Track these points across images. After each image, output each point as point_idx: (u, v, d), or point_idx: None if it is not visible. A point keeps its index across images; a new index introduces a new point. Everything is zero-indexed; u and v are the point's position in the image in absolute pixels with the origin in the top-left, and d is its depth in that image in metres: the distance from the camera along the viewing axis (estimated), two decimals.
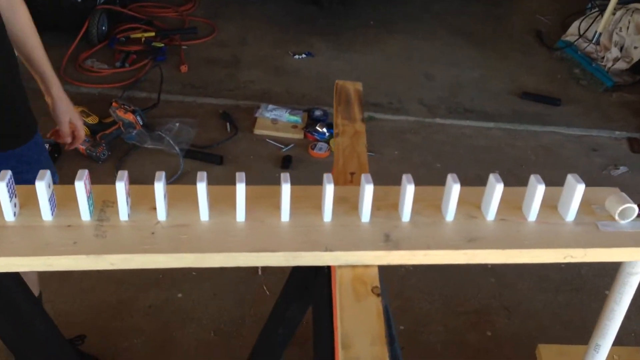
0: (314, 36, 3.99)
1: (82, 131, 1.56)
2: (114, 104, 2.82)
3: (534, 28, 4.38)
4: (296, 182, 2.44)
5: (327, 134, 3.00)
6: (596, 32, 3.84)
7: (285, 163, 2.81)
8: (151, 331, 1.96)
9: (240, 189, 0.89)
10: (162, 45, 3.51)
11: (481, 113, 3.36)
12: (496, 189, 0.93)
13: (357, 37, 4.07)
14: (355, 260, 0.87)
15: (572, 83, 3.74)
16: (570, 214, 0.96)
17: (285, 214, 0.92)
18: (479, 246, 0.88)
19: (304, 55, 3.73)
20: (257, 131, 3.01)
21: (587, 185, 2.98)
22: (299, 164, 2.84)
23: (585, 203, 0.97)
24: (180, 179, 2.65)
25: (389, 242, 0.87)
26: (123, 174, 0.88)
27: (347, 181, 1.04)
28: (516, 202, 1.00)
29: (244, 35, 3.93)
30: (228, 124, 3.03)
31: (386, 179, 2.19)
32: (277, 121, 3.06)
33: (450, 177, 0.93)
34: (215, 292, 2.13)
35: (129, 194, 0.90)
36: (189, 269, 2.18)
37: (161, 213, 0.89)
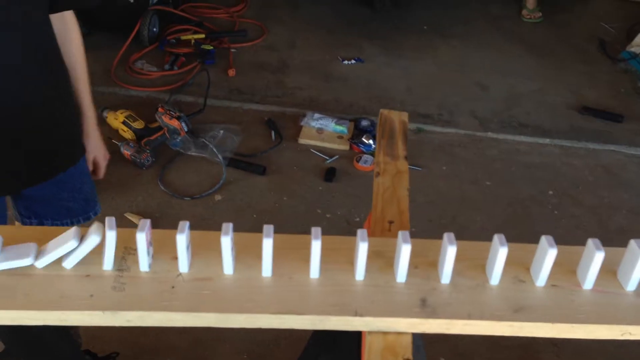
0: (365, 40, 3.91)
1: (102, 172, 1.54)
2: (160, 109, 2.81)
3: (598, 36, 4.16)
4: (340, 195, 2.37)
5: (373, 145, 2.92)
6: None
7: (329, 176, 2.75)
8: (184, 349, 1.94)
9: (267, 244, 0.82)
10: (212, 47, 3.49)
11: (537, 128, 3.21)
12: (548, 254, 0.84)
13: (408, 41, 3.96)
14: (386, 327, 0.80)
15: (636, 98, 3.54)
16: (632, 283, 0.86)
17: (314, 271, 0.85)
18: (526, 318, 0.79)
19: (353, 61, 3.65)
20: (301, 140, 2.96)
21: None
22: (343, 176, 2.77)
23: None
24: (222, 188, 2.62)
25: (426, 307, 0.79)
26: (145, 224, 0.83)
27: (385, 230, 0.96)
28: (571, 264, 0.90)
29: (293, 38, 3.88)
30: (273, 132, 2.99)
31: (433, 196, 2.08)
32: (323, 131, 3.00)
33: (497, 239, 0.84)
34: None
35: (151, 243, 0.85)
36: None
37: (183, 265, 0.84)
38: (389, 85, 3.50)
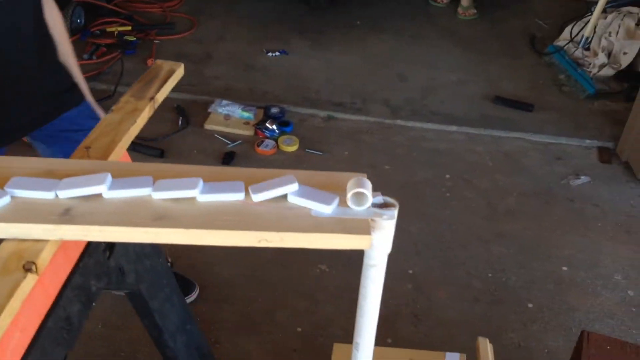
0: (295, 35, 3.96)
1: None
2: None
3: (530, 32, 4.21)
4: None
5: (277, 131, 2.96)
6: (583, 36, 3.66)
7: (227, 159, 2.78)
8: None
9: None
10: (134, 39, 3.54)
11: (447, 116, 3.25)
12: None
13: (339, 36, 4.00)
14: (22, 234, 0.80)
15: (554, 89, 3.57)
16: (262, 195, 0.86)
17: None
18: (163, 225, 0.82)
19: (277, 53, 3.70)
20: (207, 126, 3.00)
21: (541, 194, 2.85)
22: (241, 159, 2.81)
23: (337, 187, 0.88)
24: None
25: (66, 216, 0.82)
26: None
27: (84, 155, 0.99)
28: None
29: (223, 32, 3.93)
30: (180, 118, 3.03)
31: None
32: (230, 117, 3.03)
33: None
34: None
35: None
36: None
37: None
38: (308, 76, 3.55)
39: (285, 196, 0.87)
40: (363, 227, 0.83)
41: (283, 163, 2.77)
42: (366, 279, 0.92)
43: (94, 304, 0.89)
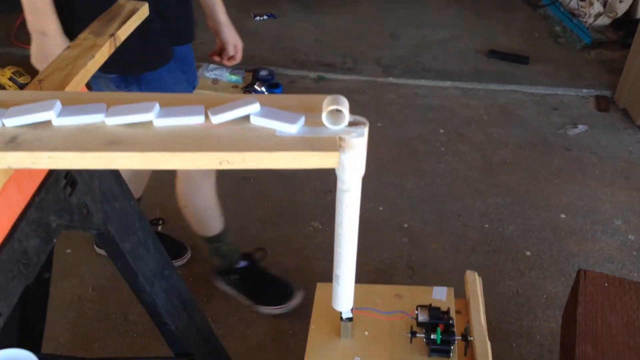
0: None
1: (240, 54, 1.77)
2: None
3: None
4: None
5: (266, 93, 2.90)
6: None
7: None
8: None
9: None
10: None
11: (440, 72, 3.18)
12: None
13: None
14: None
15: (550, 41, 3.49)
16: (223, 116, 0.81)
17: None
18: (116, 149, 0.77)
19: (265, 17, 3.62)
20: (195, 91, 2.93)
21: (537, 145, 2.80)
22: None
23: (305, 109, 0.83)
24: None
25: (12, 143, 0.77)
26: None
27: (36, 88, 0.94)
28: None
29: None
30: None
31: None
32: (218, 81, 2.97)
33: None
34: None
35: None
36: None
37: None
38: (298, 38, 3.47)
39: (247, 118, 0.82)
40: (330, 144, 0.78)
41: None
42: (341, 205, 0.88)
43: (55, 239, 0.85)
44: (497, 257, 2.10)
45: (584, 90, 3.01)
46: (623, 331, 1.39)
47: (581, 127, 2.75)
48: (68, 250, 2.07)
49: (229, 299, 1.92)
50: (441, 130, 2.75)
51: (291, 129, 0.80)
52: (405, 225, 2.23)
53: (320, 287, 1.10)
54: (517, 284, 1.99)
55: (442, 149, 2.64)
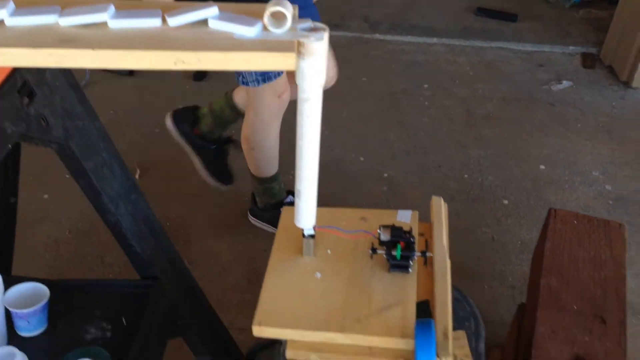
0: None
1: None
2: None
3: None
4: (206, 92, 2.38)
5: None
6: None
7: (199, 76, 2.71)
8: None
9: None
10: None
11: (427, 29, 3.16)
12: None
13: None
14: None
15: (539, 0, 3.46)
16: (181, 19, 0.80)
17: None
18: (72, 46, 0.76)
19: None
20: None
21: (522, 99, 2.80)
22: (215, 77, 2.74)
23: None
24: (86, 87, 2.59)
25: None
26: None
27: None
28: None
29: None
30: None
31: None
32: None
33: None
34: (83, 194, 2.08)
35: None
36: (63, 170, 2.14)
37: None
38: None
39: (206, 22, 0.81)
40: (287, 46, 0.78)
41: None
42: (301, 115, 0.88)
43: (10, 145, 0.85)
44: (475, 205, 2.11)
45: (571, 48, 3.00)
46: (589, 265, 1.41)
47: (566, 83, 2.75)
48: (45, 196, 2.08)
49: (206, 242, 1.94)
50: (425, 85, 2.74)
51: (249, 32, 0.80)
52: (386, 175, 2.24)
53: (285, 210, 1.11)
54: (494, 230, 2.01)
55: (426, 103, 2.64)
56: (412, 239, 1.00)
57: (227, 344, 1.40)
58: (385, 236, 1.00)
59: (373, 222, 1.08)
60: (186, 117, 2.01)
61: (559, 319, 1.29)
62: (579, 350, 1.23)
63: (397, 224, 1.03)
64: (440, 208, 1.13)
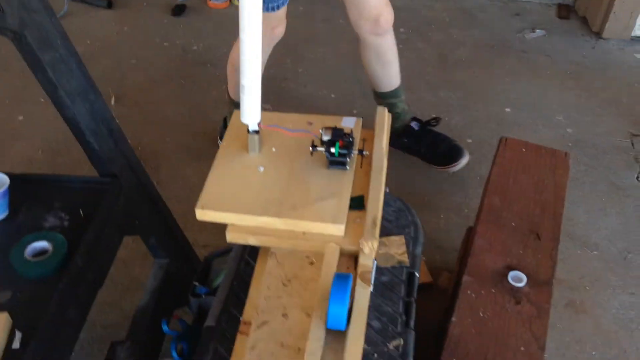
0: None
1: None
2: None
3: None
4: (183, 28, 2.33)
5: None
6: None
7: (177, 11, 2.73)
8: None
9: None
10: None
11: None
12: None
13: None
14: None
15: None
16: None
17: None
18: None
19: None
20: None
21: (495, 46, 2.85)
22: (192, 12, 2.75)
23: None
24: (61, 19, 2.61)
25: None
26: None
27: None
28: None
29: None
30: None
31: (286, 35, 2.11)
32: None
33: None
34: (58, 115, 2.12)
35: None
36: (38, 94, 2.18)
37: None
38: None
39: None
40: None
41: (236, 16, 2.72)
42: (242, 7, 0.93)
43: None
44: None
45: None
46: (532, 188, 1.48)
47: (539, 32, 2.79)
48: (20, 117, 2.12)
49: (175, 165, 2.00)
50: (401, 29, 2.77)
51: None
52: (355, 112, 2.29)
53: (236, 113, 1.16)
54: None
55: (401, 45, 2.64)
56: (351, 139, 1.06)
57: (185, 250, 1.48)
58: (326, 136, 1.06)
59: (318, 125, 1.13)
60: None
61: (497, 234, 1.37)
62: (512, 261, 1.32)
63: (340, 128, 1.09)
64: (383, 117, 1.19)
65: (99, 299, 1.54)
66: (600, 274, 1.75)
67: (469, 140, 2.19)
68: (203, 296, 1.34)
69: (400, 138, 2.05)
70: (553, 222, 1.41)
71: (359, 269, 0.95)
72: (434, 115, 2.10)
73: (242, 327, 0.93)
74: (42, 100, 2.19)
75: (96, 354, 1.51)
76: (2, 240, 1.10)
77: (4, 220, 1.14)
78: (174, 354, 1.23)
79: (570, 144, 2.19)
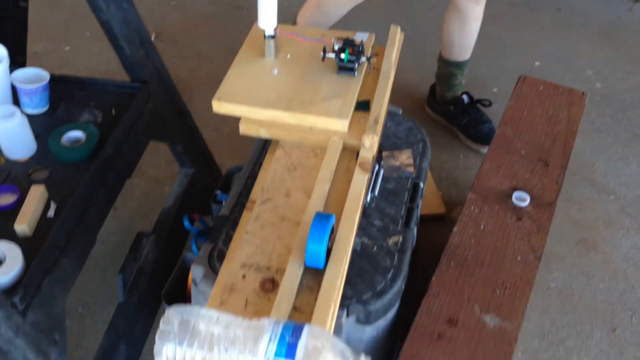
0: None
1: None
2: None
3: None
4: None
5: None
6: None
7: None
8: None
9: None
10: None
11: None
12: None
13: None
14: None
15: None
16: None
17: None
18: None
19: None
20: None
21: (529, 3, 2.90)
22: None
23: None
24: None
25: None
26: None
27: None
28: None
29: None
30: None
31: None
32: None
33: None
34: (102, 49, 2.25)
35: None
36: (85, 29, 2.32)
37: None
38: None
39: None
40: None
41: None
42: None
43: None
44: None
45: None
46: (545, 121, 1.52)
47: None
48: (67, 48, 2.25)
49: (209, 97, 2.09)
50: None
51: None
52: None
53: (256, 23, 1.24)
54: None
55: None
56: (361, 48, 1.13)
57: (209, 163, 1.58)
58: (338, 45, 1.13)
59: (332, 38, 1.21)
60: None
61: (506, 159, 1.42)
62: (518, 184, 1.37)
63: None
64: (395, 34, 1.25)
65: (130, 209, 1.68)
66: (615, 216, 1.78)
67: (495, 90, 2.22)
68: (223, 203, 1.44)
69: (447, 106, 2.08)
70: (562, 152, 1.45)
71: (359, 160, 1.02)
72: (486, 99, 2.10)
73: (248, 204, 1.02)
74: (88, 34, 2.31)
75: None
76: (43, 129, 1.21)
77: (44, 113, 1.25)
78: (194, 248, 1.33)
79: (598, 98, 2.20)
